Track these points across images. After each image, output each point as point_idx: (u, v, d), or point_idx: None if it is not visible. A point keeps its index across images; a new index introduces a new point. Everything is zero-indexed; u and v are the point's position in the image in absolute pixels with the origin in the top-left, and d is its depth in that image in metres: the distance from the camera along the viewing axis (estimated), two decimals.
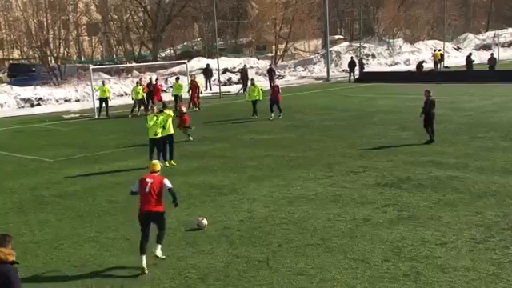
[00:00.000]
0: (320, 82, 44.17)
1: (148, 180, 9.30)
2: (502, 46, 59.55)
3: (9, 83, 40.54)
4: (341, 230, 10.38)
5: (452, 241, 9.56)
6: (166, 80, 41.87)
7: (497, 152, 15.97)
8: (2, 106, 33.58)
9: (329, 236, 10.07)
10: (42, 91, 36.93)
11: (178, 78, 30.80)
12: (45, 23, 44.20)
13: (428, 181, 13.30)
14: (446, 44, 55.69)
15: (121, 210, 12.36)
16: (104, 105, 28.93)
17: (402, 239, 9.74)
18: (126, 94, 36.49)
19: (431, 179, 13.42)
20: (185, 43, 60.40)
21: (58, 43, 44.34)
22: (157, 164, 9.82)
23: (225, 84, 41.52)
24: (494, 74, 37.73)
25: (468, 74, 39.29)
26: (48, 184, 15.07)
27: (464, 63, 44.02)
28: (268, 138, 20.30)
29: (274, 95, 24.68)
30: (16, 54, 54.96)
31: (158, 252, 9.36)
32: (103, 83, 30.55)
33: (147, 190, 9.16)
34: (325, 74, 46.00)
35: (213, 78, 40.53)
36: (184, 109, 20.47)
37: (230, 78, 44.35)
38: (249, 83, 27.74)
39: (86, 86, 36.88)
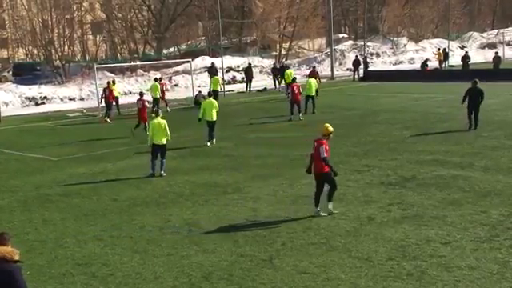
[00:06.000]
0: (324, 80, 44.08)
1: (315, 144, 10.88)
2: (507, 44, 59.28)
3: (13, 82, 40.63)
4: (345, 228, 10.37)
5: (456, 240, 9.54)
6: (170, 79, 41.99)
7: (502, 151, 15.91)
8: (6, 105, 33.67)
9: (333, 235, 10.07)
10: (46, 90, 37.04)
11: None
12: (49, 22, 44.26)
13: (432, 180, 13.27)
14: (451, 43, 55.47)
15: (125, 208, 12.39)
16: (114, 103, 28.85)
17: (406, 238, 9.72)
18: (131, 93, 36.51)
19: (436, 178, 13.39)
20: (189, 42, 60.38)
21: (62, 42, 44.38)
22: (328, 127, 11.00)
23: (229, 83, 41.50)
24: (498, 72, 37.56)
25: (472, 72, 39.03)
26: (52, 182, 15.12)
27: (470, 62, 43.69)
28: (272, 136, 20.29)
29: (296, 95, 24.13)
30: (21, 53, 55.04)
31: (330, 206, 11.07)
32: (113, 82, 30.39)
33: (313, 152, 10.87)
34: (329, 73, 45.96)
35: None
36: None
37: (234, 76, 44.37)
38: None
39: (91, 84, 36.97)
